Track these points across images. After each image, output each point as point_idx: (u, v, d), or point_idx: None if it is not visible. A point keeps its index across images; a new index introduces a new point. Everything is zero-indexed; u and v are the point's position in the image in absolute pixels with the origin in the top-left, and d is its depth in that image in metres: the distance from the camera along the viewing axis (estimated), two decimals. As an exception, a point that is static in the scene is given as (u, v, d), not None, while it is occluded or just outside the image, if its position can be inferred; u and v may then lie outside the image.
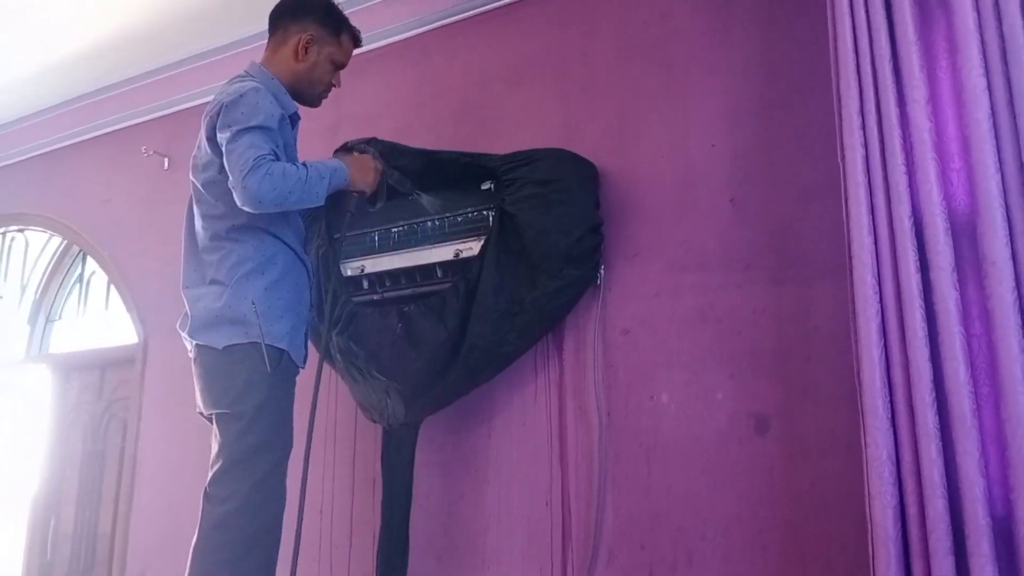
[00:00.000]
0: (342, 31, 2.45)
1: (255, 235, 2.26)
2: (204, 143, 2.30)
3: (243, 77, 2.35)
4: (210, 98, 3.81)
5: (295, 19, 2.40)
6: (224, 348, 2.19)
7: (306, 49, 2.38)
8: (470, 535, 2.73)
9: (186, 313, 2.32)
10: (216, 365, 2.21)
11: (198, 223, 2.34)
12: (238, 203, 2.13)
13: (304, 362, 2.36)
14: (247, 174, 2.07)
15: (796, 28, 2.48)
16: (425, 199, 2.71)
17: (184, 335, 2.31)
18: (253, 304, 2.19)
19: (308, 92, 2.44)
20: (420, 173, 2.70)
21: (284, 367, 2.25)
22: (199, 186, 2.32)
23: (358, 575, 2.91)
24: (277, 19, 2.44)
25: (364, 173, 2.40)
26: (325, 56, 2.42)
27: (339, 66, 2.47)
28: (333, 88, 2.50)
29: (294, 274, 2.33)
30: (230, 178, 2.12)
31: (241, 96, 2.19)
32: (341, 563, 2.96)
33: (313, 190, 2.19)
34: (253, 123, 2.15)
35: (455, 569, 2.73)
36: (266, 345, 2.18)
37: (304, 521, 3.01)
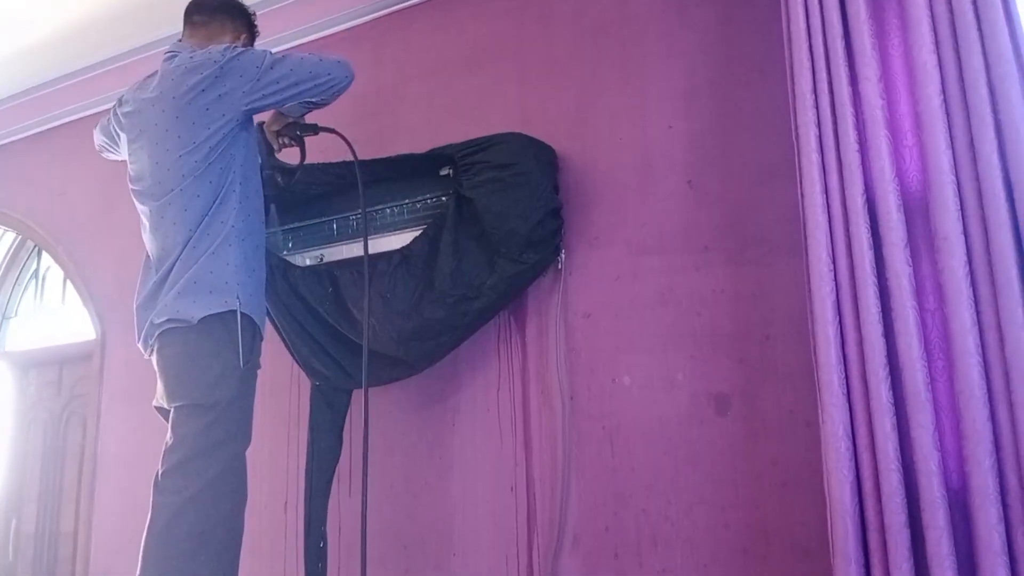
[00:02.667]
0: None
1: (232, 203, 2.27)
2: (184, 102, 2.25)
3: (191, 49, 2.36)
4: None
5: (233, 19, 2.51)
6: (200, 320, 2.16)
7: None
8: (436, 522, 2.72)
9: (144, 300, 2.29)
10: (187, 352, 2.18)
11: (174, 195, 2.27)
12: (327, 93, 2.35)
13: (264, 330, 2.36)
14: (320, 62, 2.31)
15: (751, 7, 2.48)
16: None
17: (145, 326, 2.26)
18: (232, 273, 2.21)
19: None
20: (381, 179, 2.75)
21: (254, 360, 2.25)
22: (178, 157, 2.25)
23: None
24: (214, 12, 2.49)
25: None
26: None
27: None
28: None
29: (262, 242, 2.39)
30: (245, 74, 2.23)
31: (236, 57, 2.27)
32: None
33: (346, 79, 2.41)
34: (262, 62, 2.28)
35: (422, 556, 2.72)
36: (242, 314, 2.18)
37: (268, 517, 3.01)
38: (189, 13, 2.49)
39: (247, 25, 2.55)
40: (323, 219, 2.86)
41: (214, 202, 2.25)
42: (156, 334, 2.23)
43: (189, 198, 2.24)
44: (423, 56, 3.14)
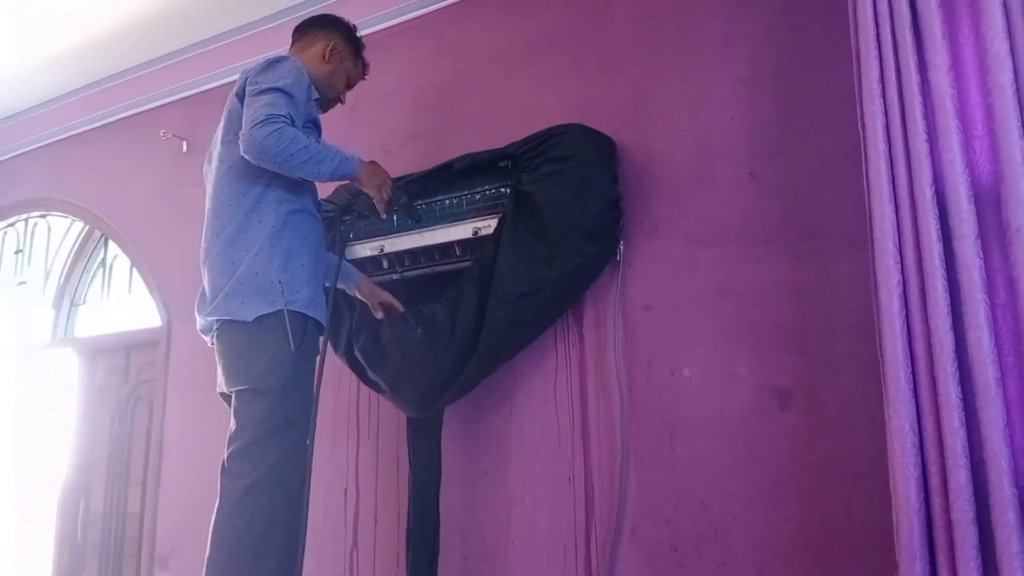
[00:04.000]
0: (360, 54, 2.66)
1: (275, 200, 2.31)
2: (233, 107, 2.36)
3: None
4: (227, 80, 3.86)
5: (324, 29, 2.59)
6: (255, 320, 2.21)
7: (331, 54, 2.55)
8: (494, 511, 2.74)
9: (203, 292, 2.35)
10: (242, 340, 2.24)
11: (218, 193, 2.37)
12: (241, 150, 2.21)
13: (327, 323, 2.40)
14: (257, 124, 2.16)
15: (815, -4, 2.45)
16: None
17: (204, 317, 2.33)
18: (279, 274, 2.24)
19: (322, 94, 2.54)
20: (443, 183, 2.81)
21: (308, 344, 2.28)
22: (222, 152, 2.38)
23: (384, 552, 2.93)
24: (308, 27, 2.61)
25: (372, 176, 2.47)
26: (344, 68, 2.60)
27: (350, 84, 2.66)
28: (339, 104, 2.67)
29: (313, 236, 2.40)
30: (242, 128, 2.20)
31: (276, 61, 2.32)
32: (367, 541, 2.99)
33: (317, 165, 2.25)
34: (278, 84, 2.24)
35: (480, 545, 2.75)
36: (289, 312, 2.22)
37: (329, 501, 3.07)
38: (292, 34, 2.64)
39: (343, 36, 2.60)
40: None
41: (253, 202, 2.31)
42: (214, 327, 2.30)
43: (229, 197, 2.33)
44: (482, 48, 3.15)
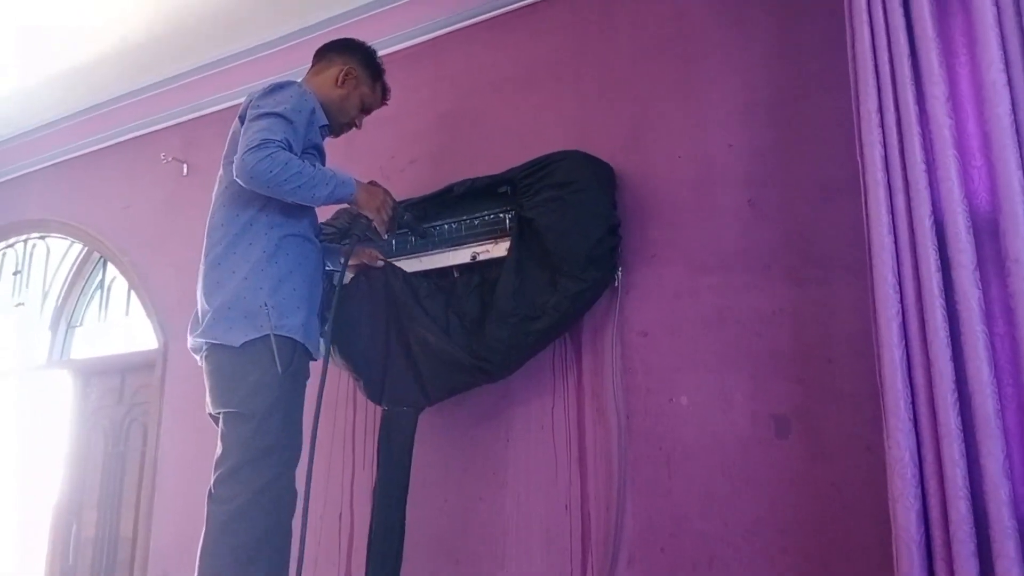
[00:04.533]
0: (378, 80, 2.64)
1: (267, 224, 2.30)
2: (236, 129, 2.37)
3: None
4: (227, 104, 3.88)
5: (341, 54, 2.58)
6: (242, 345, 2.20)
7: (345, 79, 2.54)
8: (489, 538, 2.72)
9: (196, 313, 2.34)
10: (228, 363, 2.22)
11: (213, 212, 2.39)
12: (234, 174, 2.20)
13: (319, 352, 2.38)
14: (250, 149, 2.15)
15: (813, 24, 2.47)
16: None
17: (194, 337, 2.32)
18: (266, 298, 2.23)
19: (334, 119, 2.53)
20: (442, 208, 2.81)
21: (296, 367, 2.26)
22: (223, 173, 2.40)
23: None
24: (326, 51, 2.61)
25: (371, 199, 2.43)
26: (359, 93, 2.58)
27: (366, 109, 2.64)
28: (354, 128, 2.64)
29: (308, 262, 2.38)
30: (237, 151, 2.20)
31: (280, 86, 2.33)
32: (360, 567, 2.95)
33: (312, 190, 2.23)
34: (277, 110, 2.24)
35: (474, 572, 2.72)
36: (276, 336, 2.20)
37: (324, 526, 3.04)
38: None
39: (360, 61, 2.58)
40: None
41: (244, 224, 2.30)
42: (203, 348, 2.29)
43: (222, 218, 2.34)
44: (482, 74, 3.17)
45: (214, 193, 2.43)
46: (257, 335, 2.20)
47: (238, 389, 2.19)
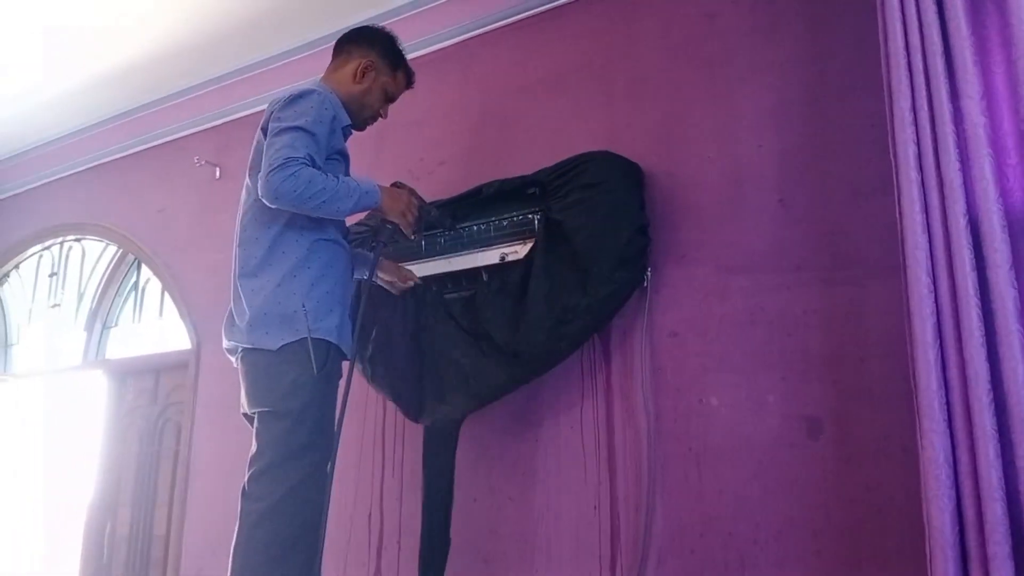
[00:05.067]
0: (399, 67, 2.60)
1: (297, 232, 2.31)
2: (259, 141, 2.38)
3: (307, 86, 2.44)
4: (260, 108, 3.91)
5: (359, 45, 2.56)
6: (279, 349, 2.22)
7: (364, 73, 2.52)
8: (518, 538, 2.72)
9: (231, 314, 2.37)
10: (265, 364, 2.25)
11: (246, 221, 2.40)
12: (259, 193, 2.22)
13: (352, 353, 2.40)
14: (274, 170, 2.16)
15: (844, 23, 2.45)
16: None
17: (229, 341, 2.35)
18: (302, 301, 2.24)
19: (357, 114, 2.53)
20: (471, 209, 2.83)
21: (330, 368, 2.28)
22: (249, 183, 2.40)
23: (407, 578, 2.92)
24: (344, 44, 2.59)
25: (395, 203, 2.44)
26: (380, 85, 2.55)
27: (389, 99, 2.61)
28: (380, 119, 2.62)
29: (339, 263, 2.40)
30: (261, 169, 2.22)
31: (300, 96, 2.31)
32: (390, 567, 2.98)
33: (336, 204, 2.24)
34: (298, 123, 2.24)
35: (503, 572, 2.73)
36: (313, 340, 2.22)
37: (353, 524, 3.06)
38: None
39: (379, 51, 2.56)
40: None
41: (276, 235, 2.31)
42: (239, 350, 2.32)
43: (255, 230, 2.34)
44: (510, 77, 3.18)
45: (242, 200, 2.45)
46: (294, 338, 2.22)
47: (274, 389, 2.21)
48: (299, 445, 2.19)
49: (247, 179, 2.44)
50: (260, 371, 2.26)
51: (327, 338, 2.27)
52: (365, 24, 2.70)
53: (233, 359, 2.38)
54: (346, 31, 2.62)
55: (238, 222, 2.43)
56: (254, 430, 2.27)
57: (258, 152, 2.37)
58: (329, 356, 2.28)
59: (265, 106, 3.89)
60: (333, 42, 3.48)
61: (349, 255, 2.50)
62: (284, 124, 2.24)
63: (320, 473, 2.24)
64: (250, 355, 2.28)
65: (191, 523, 3.72)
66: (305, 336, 2.22)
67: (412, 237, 2.56)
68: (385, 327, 2.77)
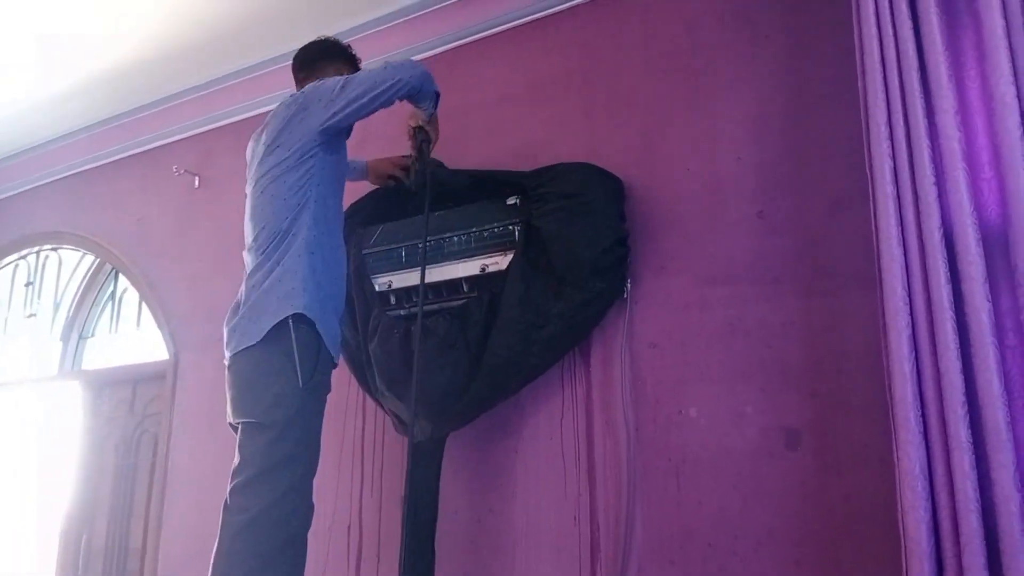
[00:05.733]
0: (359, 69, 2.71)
1: (303, 232, 2.34)
2: (275, 133, 2.40)
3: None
4: (240, 117, 3.90)
5: (330, 60, 2.65)
6: (265, 335, 2.21)
7: None
8: (498, 550, 2.72)
9: (237, 304, 2.36)
10: (251, 371, 2.24)
11: (256, 215, 2.41)
12: (329, 122, 2.34)
13: (338, 357, 2.41)
14: (339, 90, 2.34)
15: (823, 37, 2.48)
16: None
17: (226, 349, 2.34)
18: (302, 282, 2.27)
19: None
20: (461, 190, 2.82)
21: (317, 380, 2.27)
22: (260, 178, 2.41)
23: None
24: (312, 62, 2.65)
25: (436, 123, 2.60)
26: None
27: None
28: None
29: (339, 267, 2.44)
30: (321, 111, 2.34)
31: (321, 80, 2.45)
32: (369, 578, 2.96)
33: (409, 70, 2.39)
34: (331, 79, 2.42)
35: (483, 584, 2.72)
36: (302, 316, 2.23)
37: (333, 539, 3.04)
38: (294, 71, 2.68)
39: (346, 61, 2.68)
40: (391, 246, 2.92)
41: (289, 220, 2.33)
42: (230, 345, 2.32)
43: (268, 216, 2.35)
44: (492, 87, 3.18)
45: (247, 207, 2.46)
46: (286, 314, 2.22)
47: (261, 400, 2.20)
48: (283, 457, 2.17)
49: (248, 186, 2.47)
50: (247, 381, 2.25)
51: (316, 322, 2.26)
52: (316, 40, 2.74)
53: (226, 356, 2.37)
54: (303, 51, 2.69)
55: (247, 221, 2.44)
56: (237, 441, 2.25)
57: (259, 153, 2.43)
58: (317, 365, 2.27)
59: (246, 115, 3.90)
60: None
61: (347, 260, 2.54)
62: (325, 81, 2.40)
63: (302, 488, 2.22)
64: (237, 363, 2.27)
65: (167, 534, 3.68)
66: (296, 312, 2.22)
67: (424, 161, 2.61)
68: (385, 342, 2.76)
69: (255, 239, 2.37)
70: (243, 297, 2.34)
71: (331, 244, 2.41)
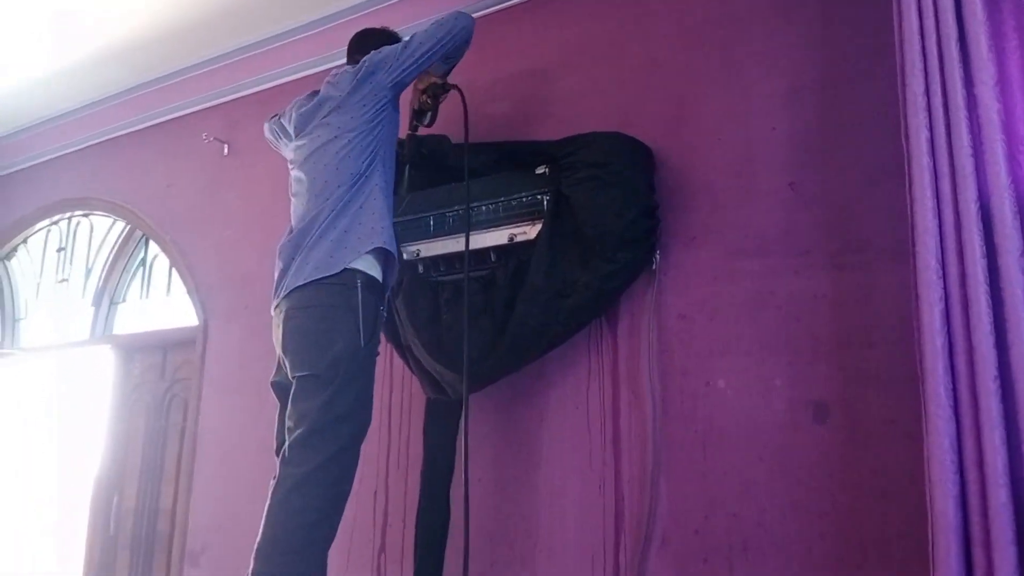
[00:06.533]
0: None
1: (376, 170, 2.47)
2: (345, 92, 2.50)
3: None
4: (268, 85, 3.90)
5: (386, 42, 2.70)
6: (341, 272, 2.29)
7: None
8: (523, 518, 2.74)
9: (283, 271, 2.40)
10: (314, 327, 2.28)
11: (318, 176, 2.46)
12: (397, 81, 2.51)
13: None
14: (403, 50, 2.51)
15: (859, 7, 2.44)
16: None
17: (278, 298, 2.38)
18: (380, 218, 2.40)
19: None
20: (493, 163, 2.83)
21: (375, 342, 2.34)
22: (326, 141, 2.47)
23: (411, 556, 2.94)
24: (367, 48, 2.67)
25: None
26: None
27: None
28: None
29: (390, 212, 2.52)
30: (387, 60, 2.50)
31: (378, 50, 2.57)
32: (395, 544, 3.00)
33: (462, 21, 2.60)
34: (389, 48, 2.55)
35: (507, 551, 2.75)
36: (369, 279, 2.33)
37: (358, 502, 3.08)
38: (351, 52, 2.79)
39: (395, 42, 2.72)
40: (420, 215, 2.92)
41: (366, 163, 2.44)
42: (285, 308, 2.35)
43: (346, 161, 2.43)
44: (521, 57, 3.16)
45: (304, 163, 2.51)
46: (374, 246, 2.35)
47: (323, 355, 2.24)
48: (340, 415, 2.23)
49: (316, 139, 2.50)
50: (309, 335, 2.29)
51: (393, 251, 2.40)
52: (366, 28, 2.85)
53: (274, 316, 2.42)
54: (357, 41, 2.78)
55: (305, 179, 2.49)
56: (291, 394, 2.29)
57: (313, 117, 2.53)
58: (376, 326, 2.34)
59: (273, 83, 3.90)
60: (339, 21, 3.45)
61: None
62: (383, 50, 2.53)
63: (355, 447, 2.27)
64: (297, 316, 2.31)
65: (197, 497, 3.75)
66: (380, 246, 2.35)
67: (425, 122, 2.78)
68: (413, 308, 2.79)
69: (325, 183, 2.42)
70: (309, 238, 2.37)
71: (391, 190, 2.53)
